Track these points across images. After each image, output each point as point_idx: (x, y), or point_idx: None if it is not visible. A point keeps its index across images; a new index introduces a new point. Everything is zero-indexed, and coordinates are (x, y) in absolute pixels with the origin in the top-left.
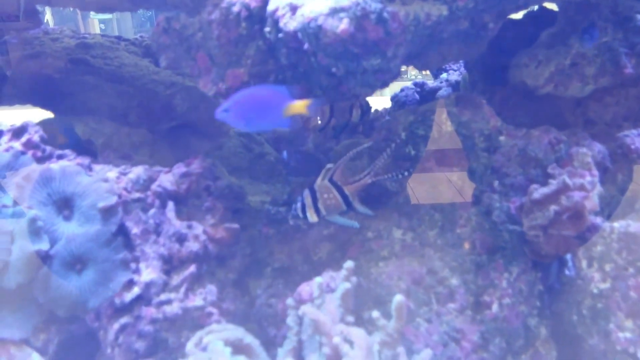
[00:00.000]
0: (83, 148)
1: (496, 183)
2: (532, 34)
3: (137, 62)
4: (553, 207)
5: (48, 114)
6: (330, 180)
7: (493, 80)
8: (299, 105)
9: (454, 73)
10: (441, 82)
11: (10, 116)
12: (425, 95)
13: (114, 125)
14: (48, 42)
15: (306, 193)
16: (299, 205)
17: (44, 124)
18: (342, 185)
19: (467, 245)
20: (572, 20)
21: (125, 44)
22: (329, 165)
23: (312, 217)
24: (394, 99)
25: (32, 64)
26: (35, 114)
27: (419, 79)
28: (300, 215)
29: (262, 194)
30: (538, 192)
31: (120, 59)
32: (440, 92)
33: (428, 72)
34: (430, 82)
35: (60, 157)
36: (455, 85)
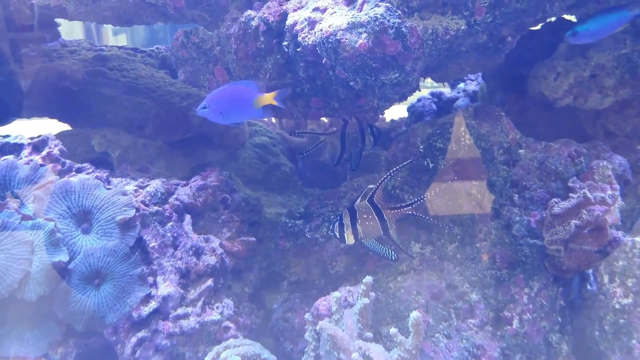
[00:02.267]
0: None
1: (516, 197)
2: (551, 44)
3: (154, 73)
4: (574, 222)
5: (65, 126)
6: (371, 202)
7: (512, 91)
8: (268, 97)
9: (472, 83)
10: (458, 92)
11: (28, 128)
12: (443, 105)
13: (130, 137)
14: (66, 54)
15: (345, 213)
16: (336, 224)
17: (62, 136)
18: (381, 209)
19: (485, 258)
20: None
21: (142, 55)
22: (370, 186)
23: (349, 239)
24: (410, 109)
25: (50, 76)
26: (52, 126)
27: (436, 88)
28: (337, 235)
29: (278, 206)
30: (559, 206)
31: (136, 70)
32: (458, 102)
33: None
34: (448, 92)
35: (79, 170)
36: (472, 96)
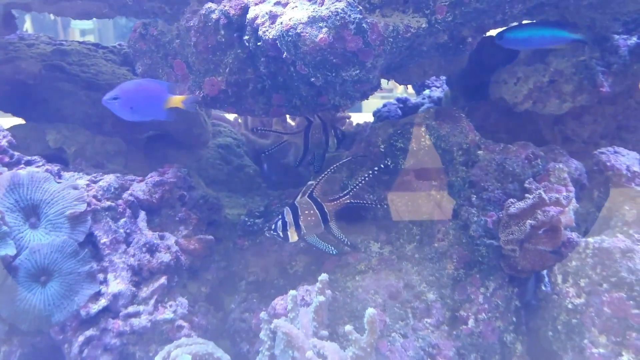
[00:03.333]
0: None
1: (474, 197)
2: (512, 51)
3: (115, 70)
4: (529, 222)
5: (19, 121)
6: (311, 197)
7: (474, 97)
8: (177, 100)
9: (437, 90)
10: (424, 99)
11: None
12: (408, 110)
13: (88, 133)
14: (23, 48)
15: (287, 210)
16: (279, 223)
17: (15, 129)
18: (321, 202)
19: (440, 262)
20: None
21: (104, 51)
22: (310, 182)
23: (293, 236)
24: (376, 114)
25: (5, 70)
26: (7, 121)
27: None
28: (281, 234)
29: (240, 208)
30: (514, 206)
31: (97, 66)
32: (423, 108)
33: (411, 89)
34: (413, 99)
35: (28, 163)
36: (437, 102)
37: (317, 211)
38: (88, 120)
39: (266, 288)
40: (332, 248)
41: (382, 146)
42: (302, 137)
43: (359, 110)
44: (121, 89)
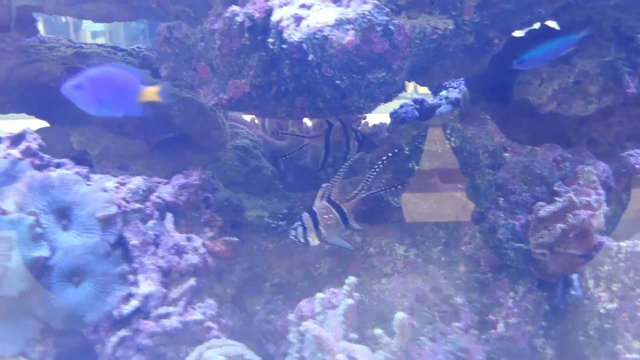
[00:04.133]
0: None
1: (501, 200)
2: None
3: None
4: (560, 225)
5: (43, 123)
6: (329, 200)
7: (495, 98)
8: (151, 92)
9: (454, 90)
10: (441, 99)
11: (4, 125)
12: (425, 112)
13: (110, 135)
14: (44, 51)
15: (306, 216)
16: (299, 229)
17: (40, 132)
18: (339, 204)
19: (467, 265)
20: None
21: (122, 54)
22: (324, 185)
23: (314, 240)
24: (393, 115)
25: (28, 72)
26: (29, 123)
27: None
28: (302, 240)
29: (259, 209)
30: (544, 210)
31: None
32: (440, 110)
33: (427, 89)
34: (430, 100)
35: (58, 165)
36: (455, 103)
37: (336, 213)
38: (110, 123)
39: (290, 290)
40: (347, 243)
41: (407, 148)
42: (322, 140)
43: (370, 110)
44: (86, 76)
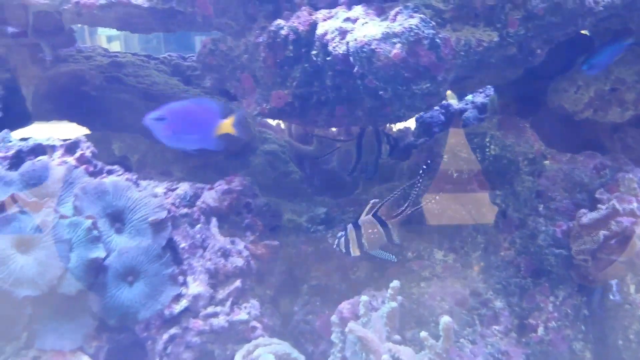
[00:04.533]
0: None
1: (541, 207)
2: (568, 59)
3: (167, 80)
4: (602, 232)
5: (85, 130)
6: (375, 215)
7: (527, 104)
8: (227, 125)
9: (479, 95)
10: (466, 104)
11: (46, 131)
12: (451, 116)
13: (148, 142)
14: (82, 60)
15: (350, 228)
16: (342, 240)
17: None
18: (385, 220)
19: (507, 270)
20: None
21: (155, 62)
22: (373, 200)
23: (355, 252)
24: (418, 119)
25: (71, 81)
26: (70, 129)
27: None
28: (343, 250)
29: (289, 213)
30: (587, 217)
31: (151, 77)
32: (466, 114)
33: (450, 91)
34: (455, 104)
35: (109, 172)
36: (481, 107)
37: (381, 229)
38: (146, 129)
39: (328, 292)
40: (392, 256)
41: (447, 156)
42: (354, 144)
43: (408, 119)
44: (170, 109)
